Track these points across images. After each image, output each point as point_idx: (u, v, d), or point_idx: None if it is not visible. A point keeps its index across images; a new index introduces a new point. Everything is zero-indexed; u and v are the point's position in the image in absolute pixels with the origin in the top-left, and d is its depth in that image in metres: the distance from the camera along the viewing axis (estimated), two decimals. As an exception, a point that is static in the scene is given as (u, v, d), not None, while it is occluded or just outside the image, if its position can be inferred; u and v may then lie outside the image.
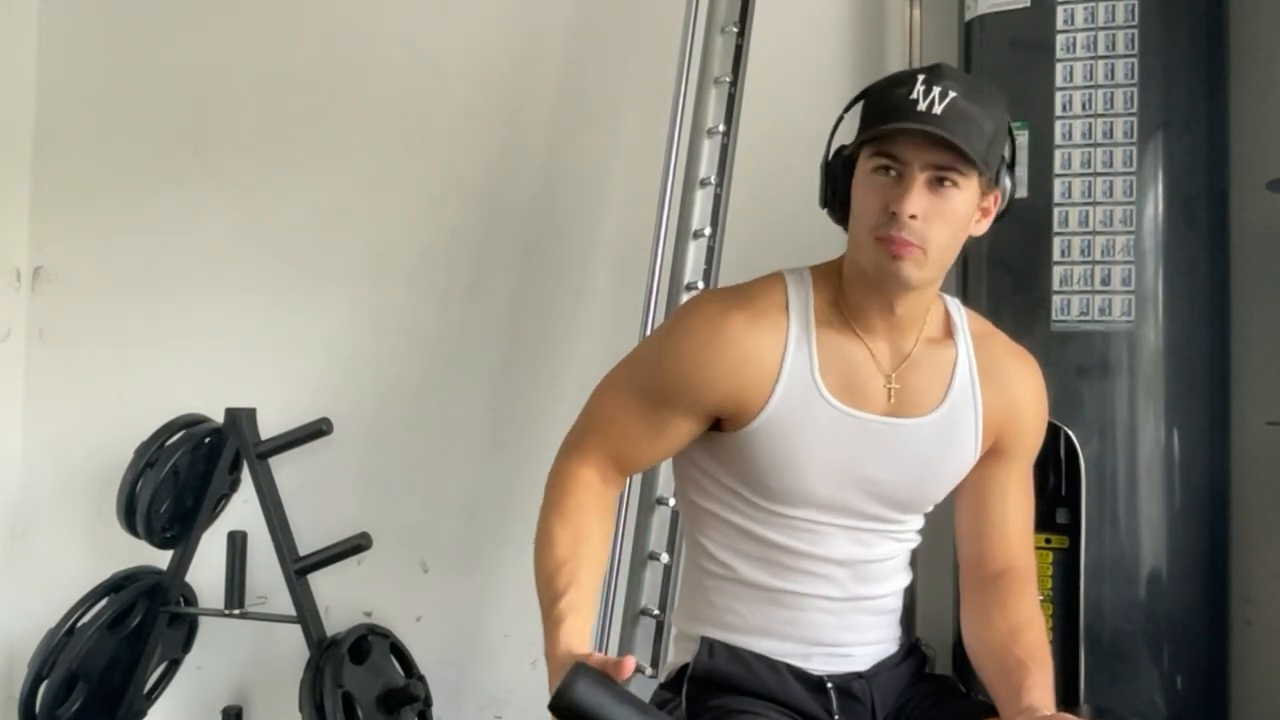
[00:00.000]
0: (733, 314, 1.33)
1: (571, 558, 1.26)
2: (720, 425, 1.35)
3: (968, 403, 1.37)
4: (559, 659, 1.16)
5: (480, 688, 2.61)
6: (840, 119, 1.39)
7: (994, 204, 1.32)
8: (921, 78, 1.24)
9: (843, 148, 1.34)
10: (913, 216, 1.22)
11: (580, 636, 1.19)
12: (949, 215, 1.25)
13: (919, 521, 1.45)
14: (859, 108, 1.32)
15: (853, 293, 1.35)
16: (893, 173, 1.25)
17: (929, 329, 1.38)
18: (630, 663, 1.09)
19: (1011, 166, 1.34)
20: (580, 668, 1.07)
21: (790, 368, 1.32)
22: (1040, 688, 1.26)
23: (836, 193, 1.34)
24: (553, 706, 1.06)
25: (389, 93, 2.74)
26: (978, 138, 1.23)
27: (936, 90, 1.22)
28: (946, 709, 1.40)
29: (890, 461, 1.35)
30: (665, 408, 1.33)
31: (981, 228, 1.32)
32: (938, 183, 1.24)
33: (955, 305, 1.43)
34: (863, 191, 1.28)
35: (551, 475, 1.37)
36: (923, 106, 1.21)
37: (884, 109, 1.25)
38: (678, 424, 1.34)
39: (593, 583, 1.27)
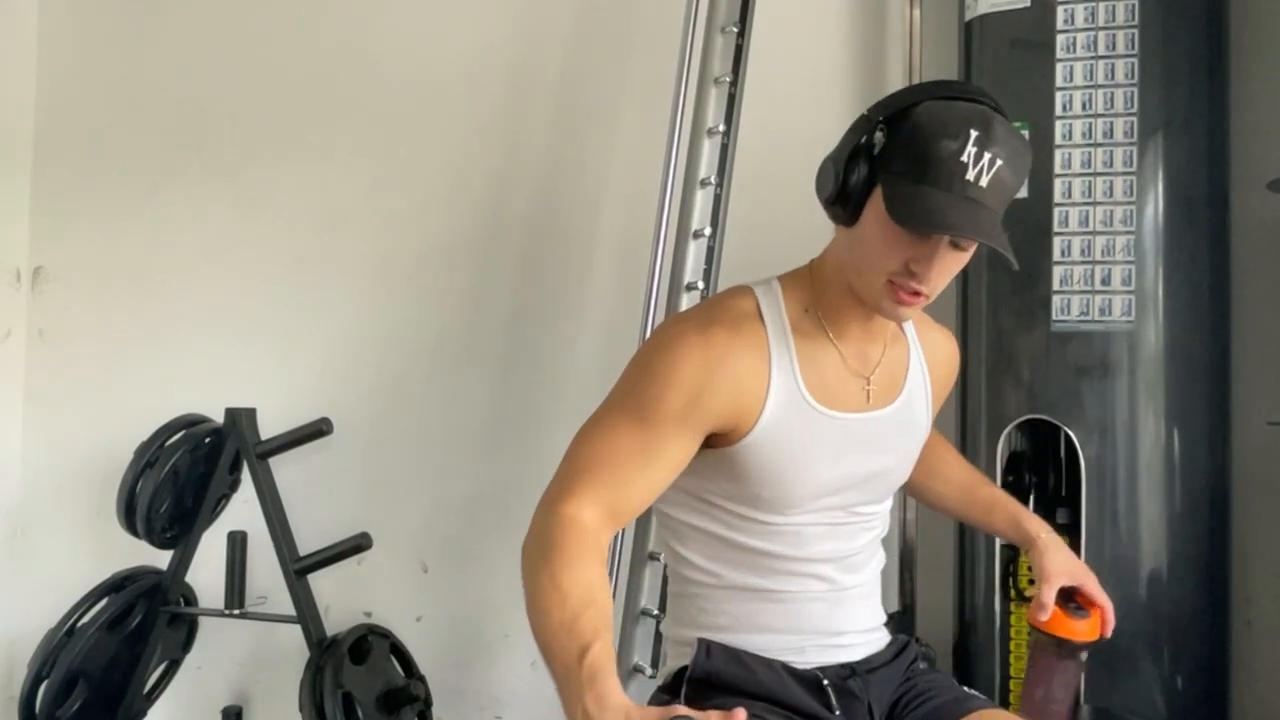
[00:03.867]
0: (714, 331, 1.30)
1: (588, 607, 1.15)
2: (710, 442, 1.33)
3: (919, 388, 1.45)
4: (612, 712, 1.04)
5: (480, 688, 2.62)
6: (874, 124, 1.26)
7: None
8: (974, 135, 1.18)
9: (865, 151, 1.26)
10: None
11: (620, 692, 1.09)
12: (955, 268, 1.28)
13: (888, 506, 1.49)
14: (884, 117, 1.26)
15: (833, 298, 1.35)
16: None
17: (893, 330, 1.43)
18: (742, 715, 1.02)
19: None
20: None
21: (777, 377, 1.31)
22: (1019, 509, 1.54)
23: (849, 200, 1.27)
24: None
25: (389, 92, 2.74)
26: (1004, 206, 1.23)
27: (986, 158, 1.18)
28: (942, 704, 1.40)
29: (864, 454, 1.37)
30: (663, 432, 1.27)
31: None
32: (954, 244, 1.24)
33: None
34: (882, 234, 1.24)
35: (542, 520, 1.25)
36: (970, 175, 1.18)
37: (929, 165, 1.19)
38: (675, 448, 1.28)
39: (610, 637, 1.15)
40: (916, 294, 1.26)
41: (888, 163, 1.24)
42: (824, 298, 1.36)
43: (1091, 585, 1.47)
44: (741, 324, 1.32)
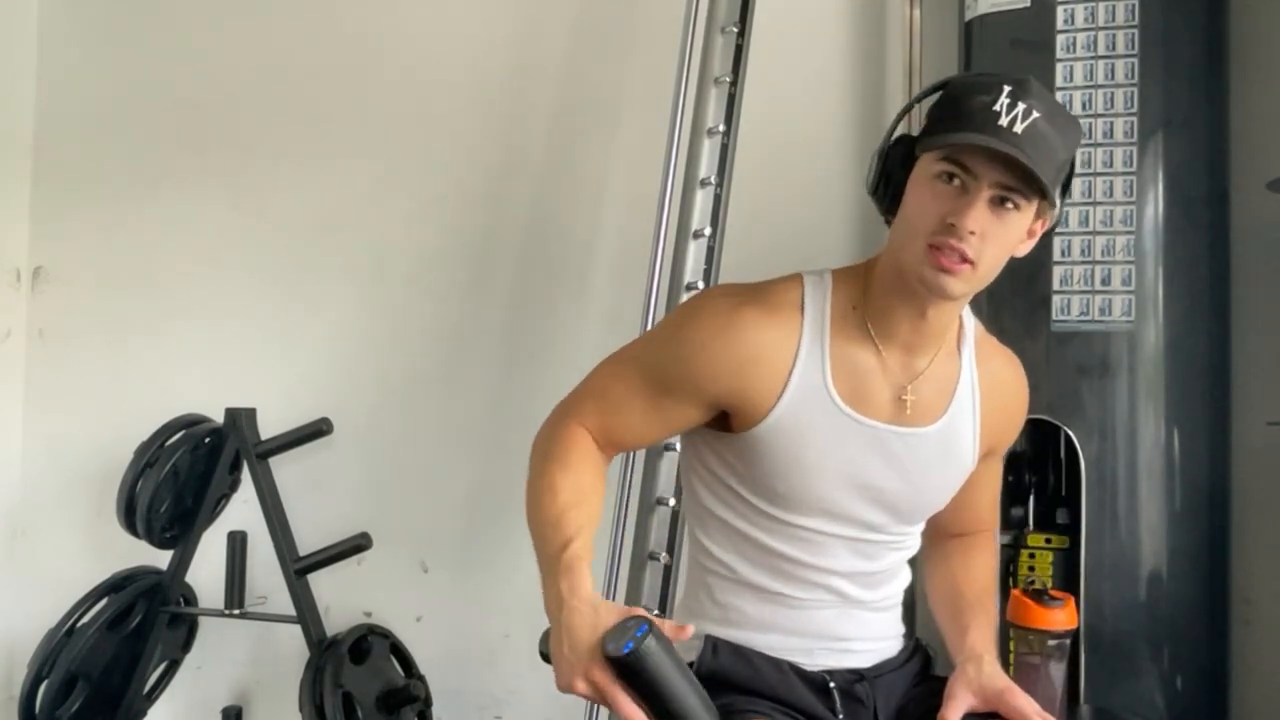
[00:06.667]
0: (745, 310, 1.31)
1: (575, 506, 1.24)
2: (728, 425, 1.34)
3: (966, 414, 1.37)
4: (581, 601, 1.13)
5: (480, 688, 2.61)
6: (911, 105, 1.36)
7: (1041, 227, 1.30)
8: (1008, 89, 1.19)
9: (906, 137, 1.28)
10: (971, 233, 1.20)
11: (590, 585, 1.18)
12: (1004, 237, 1.23)
13: (919, 529, 1.45)
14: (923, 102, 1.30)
15: (882, 294, 1.32)
16: (957, 182, 1.21)
17: (948, 343, 1.37)
18: (690, 630, 1.14)
19: (1065, 191, 1.29)
20: (653, 624, 1.07)
21: (802, 369, 1.30)
22: (982, 630, 1.38)
23: (890, 183, 1.28)
24: (619, 658, 1.06)
25: (389, 92, 2.74)
26: (1049, 165, 1.19)
27: (1021, 107, 1.17)
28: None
29: (894, 470, 1.34)
30: (666, 393, 1.32)
31: (1025, 249, 1.29)
32: (999, 202, 1.21)
33: (968, 314, 1.41)
34: (922, 194, 1.24)
35: (547, 432, 1.35)
36: (1004, 121, 1.17)
37: (962, 115, 1.20)
38: (677, 410, 1.33)
39: (591, 535, 1.24)
40: (960, 259, 1.21)
41: (924, 135, 1.25)
42: (873, 296, 1.33)
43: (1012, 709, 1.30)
44: (778, 311, 1.31)
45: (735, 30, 2.20)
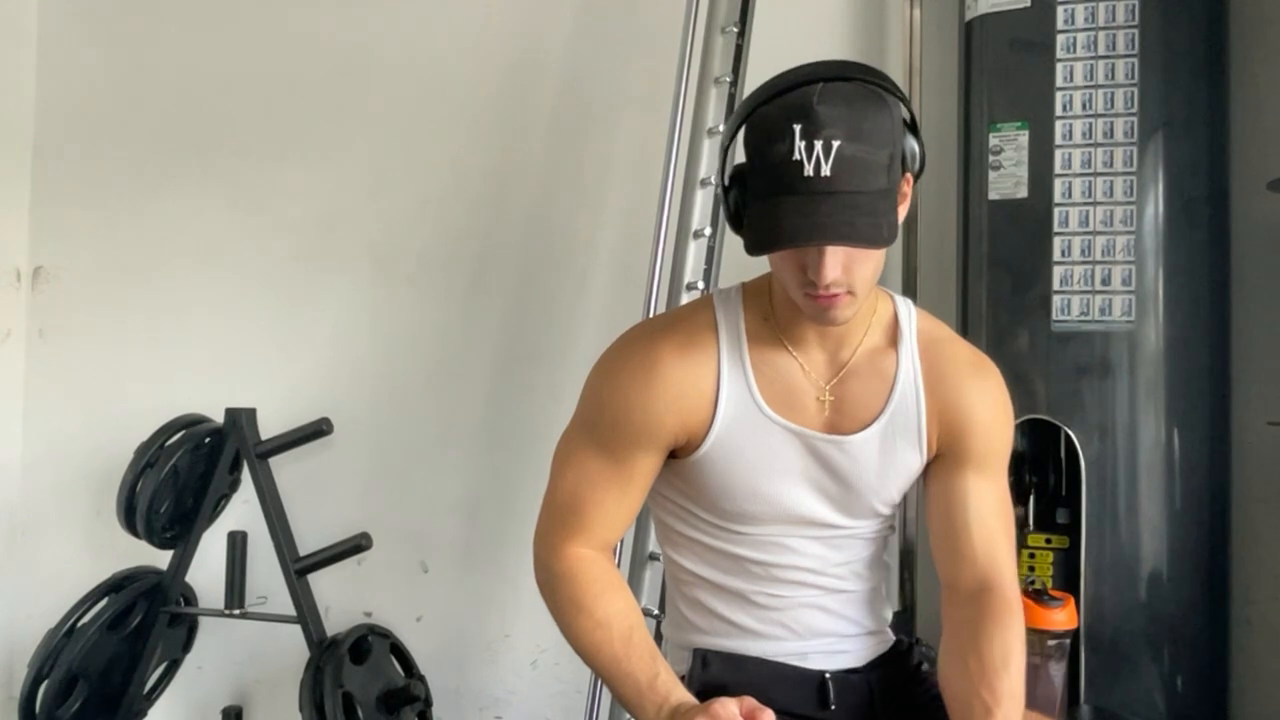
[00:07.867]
0: (660, 345, 1.31)
1: (635, 629, 1.29)
2: (673, 452, 1.34)
3: (910, 409, 1.33)
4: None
5: (480, 688, 2.61)
6: (728, 143, 1.27)
7: (910, 183, 1.25)
8: (798, 129, 1.12)
9: (730, 175, 1.24)
10: (835, 279, 1.18)
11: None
12: (870, 254, 1.20)
13: (885, 520, 1.42)
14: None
15: (783, 312, 1.32)
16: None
17: (871, 336, 1.34)
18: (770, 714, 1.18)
19: (913, 131, 1.23)
20: None
21: (727, 390, 1.30)
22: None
23: (740, 226, 1.24)
24: None
25: (389, 93, 2.74)
26: (875, 175, 1.14)
27: (819, 145, 1.11)
28: (945, 706, 1.40)
29: (837, 475, 1.33)
30: (625, 451, 1.32)
31: (905, 209, 1.26)
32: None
33: (906, 307, 1.38)
34: (775, 255, 1.23)
35: (550, 563, 1.34)
36: (809, 170, 1.11)
37: (770, 173, 1.15)
38: (641, 468, 1.32)
39: (656, 648, 1.30)
40: (835, 295, 1.20)
41: (746, 181, 1.21)
42: (777, 309, 1.33)
43: None
44: (692, 338, 1.32)
45: (735, 30, 2.20)
